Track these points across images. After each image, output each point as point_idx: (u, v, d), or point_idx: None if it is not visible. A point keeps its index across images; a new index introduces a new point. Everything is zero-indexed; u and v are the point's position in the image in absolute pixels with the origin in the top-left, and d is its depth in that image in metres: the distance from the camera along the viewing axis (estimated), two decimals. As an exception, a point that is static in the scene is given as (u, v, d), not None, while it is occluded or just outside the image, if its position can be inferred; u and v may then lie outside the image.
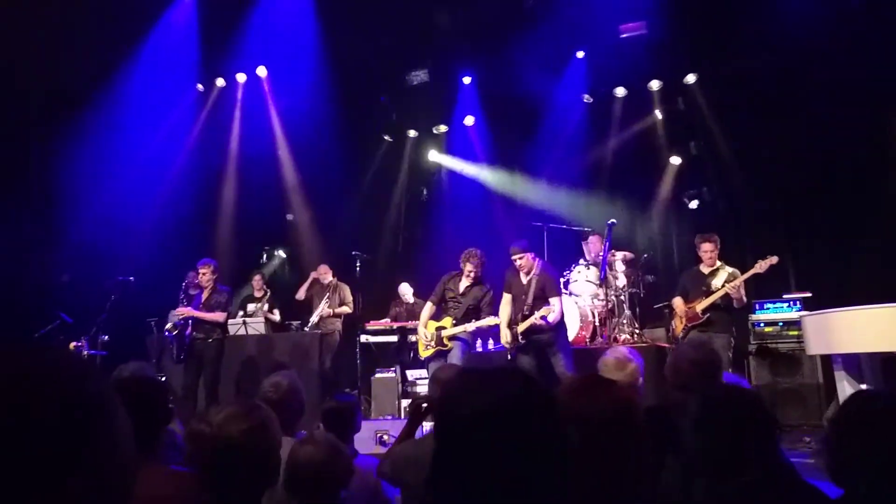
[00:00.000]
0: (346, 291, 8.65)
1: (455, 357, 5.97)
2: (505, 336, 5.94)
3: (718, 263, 6.15)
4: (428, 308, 6.30)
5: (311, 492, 2.10)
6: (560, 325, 5.92)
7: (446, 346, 6.03)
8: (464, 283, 6.14)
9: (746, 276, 5.83)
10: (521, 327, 5.76)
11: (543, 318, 5.60)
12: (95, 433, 0.71)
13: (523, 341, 5.77)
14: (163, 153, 9.19)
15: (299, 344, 7.58)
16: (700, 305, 5.93)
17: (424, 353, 6.19)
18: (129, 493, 0.77)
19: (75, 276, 8.02)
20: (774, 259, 5.75)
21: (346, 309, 8.53)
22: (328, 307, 8.34)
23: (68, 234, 8.06)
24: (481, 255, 6.07)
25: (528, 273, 5.89)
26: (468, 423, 1.00)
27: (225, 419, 1.70)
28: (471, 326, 5.97)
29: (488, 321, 5.96)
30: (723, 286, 5.87)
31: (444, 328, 6.08)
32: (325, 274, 8.71)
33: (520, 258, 5.86)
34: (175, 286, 7.45)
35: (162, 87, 8.90)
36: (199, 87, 9.73)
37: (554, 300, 5.76)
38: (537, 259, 6.01)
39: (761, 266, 5.76)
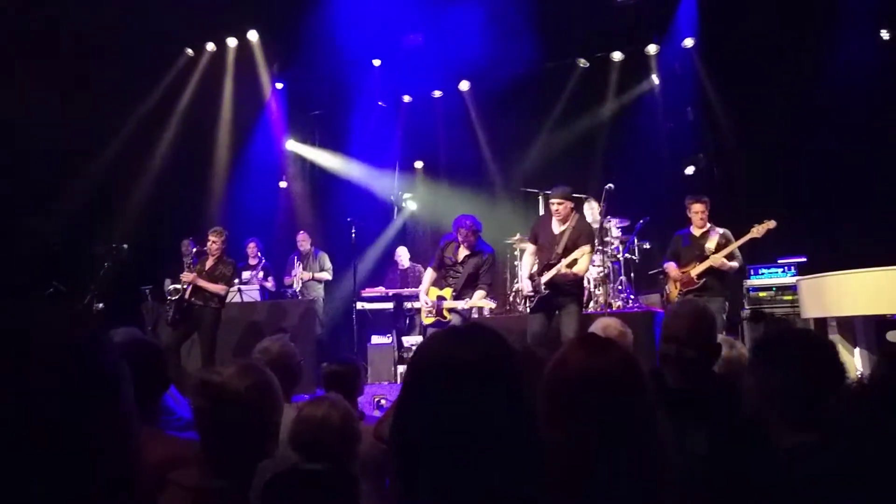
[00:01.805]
0: (325, 258, 8.69)
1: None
2: (526, 286, 5.72)
3: (708, 225, 6.14)
4: (428, 274, 6.23)
5: (328, 451, 2.09)
6: (581, 287, 5.72)
7: (446, 318, 5.98)
8: (462, 252, 6.03)
9: (743, 240, 5.83)
10: (546, 277, 5.46)
11: (570, 267, 5.36)
12: (107, 407, 0.68)
13: (546, 292, 5.47)
14: (155, 119, 9.07)
15: (294, 311, 7.59)
16: (695, 270, 5.94)
17: (427, 321, 6.17)
18: (136, 465, 0.74)
19: (68, 243, 7.96)
20: (772, 223, 5.74)
21: (326, 275, 8.58)
22: (304, 271, 8.38)
23: (60, 201, 7.98)
24: (471, 225, 5.88)
25: (563, 222, 5.59)
26: (431, 374, 1.03)
27: (233, 374, 1.69)
28: (464, 305, 5.85)
29: (482, 303, 5.91)
30: (716, 250, 5.86)
31: (444, 299, 6.03)
32: (304, 241, 8.76)
33: (560, 204, 5.52)
34: (170, 253, 7.41)
35: (151, 53, 8.73)
36: (189, 51, 9.56)
37: (585, 257, 5.44)
38: (576, 212, 5.74)
39: (758, 231, 5.75)
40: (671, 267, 6.24)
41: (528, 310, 5.74)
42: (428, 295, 6.12)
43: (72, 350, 0.68)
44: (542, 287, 5.48)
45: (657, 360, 2.46)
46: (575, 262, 5.40)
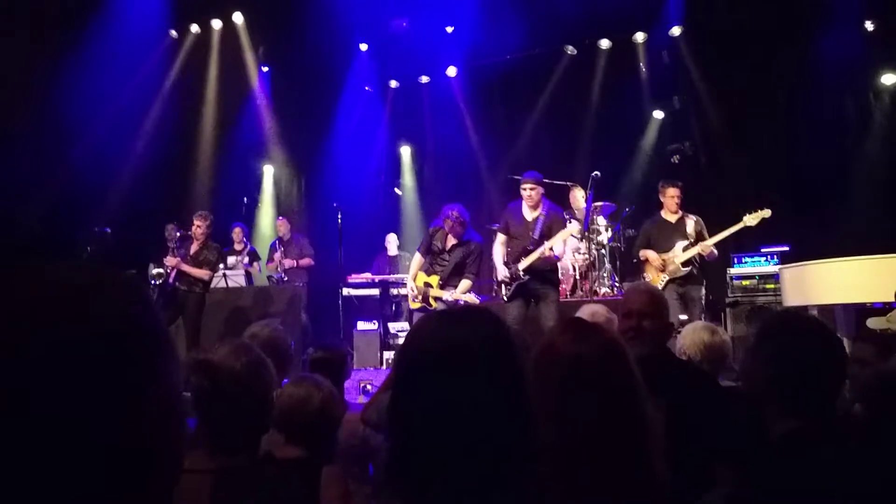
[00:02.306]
0: (305, 243, 8.66)
1: None
2: (502, 272, 5.62)
3: (680, 211, 6.12)
4: (416, 259, 6.18)
5: (308, 433, 2.10)
6: (558, 274, 5.73)
7: (432, 305, 5.96)
8: (450, 240, 5.97)
9: (735, 228, 5.76)
10: (525, 262, 5.43)
11: (551, 249, 5.36)
12: (152, 374, 0.64)
13: (526, 277, 5.44)
14: (137, 102, 8.96)
15: (280, 297, 7.56)
16: (680, 258, 5.92)
17: (413, 305, 6.16)
18: (181, 449, 0.71)
19: (50, 227, 7.86)
20: (767, 212, 5.70)
21: (309, 261, 8.55)
22: (284, 258, 8.35)
23: (42, 186, 7.86)
24: (458, 216, 5.76)
25: (534, 208, 5.58)
26: (430, 358, 1.02)
27: (227, 353, 1.70)
28: (448, 296, 5.80)
29: (466, 297, 5.80)
30: (695, 237, 5.86)
31: (431, 286, 5.99)
32: (281, 226, 8.73)
33: (532, 188, 5.51)
34: (153, 237, 7.34)
35: (134, 34, 8.60)
36: (173, 33, 9.44)
37: (559, 242, 5.52)
38: (546, 200, 5.69)
39: (752, 219, 5.71)
40: (651, 254, 6.13)
41: (505, 298, 5.68)
42: (416, 281, 6.09)
43: (107, 304, 0.64)
44: (521, 273, 5.45)
45: None
46: (552, 248, 5.45)
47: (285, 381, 2.87)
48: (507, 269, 5.55)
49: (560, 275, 7.20)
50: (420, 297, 5.98)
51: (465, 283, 5.86)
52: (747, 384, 1.85)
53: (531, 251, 5.41)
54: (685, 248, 5.91)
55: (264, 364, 1.77)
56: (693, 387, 2.36)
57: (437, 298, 5.91)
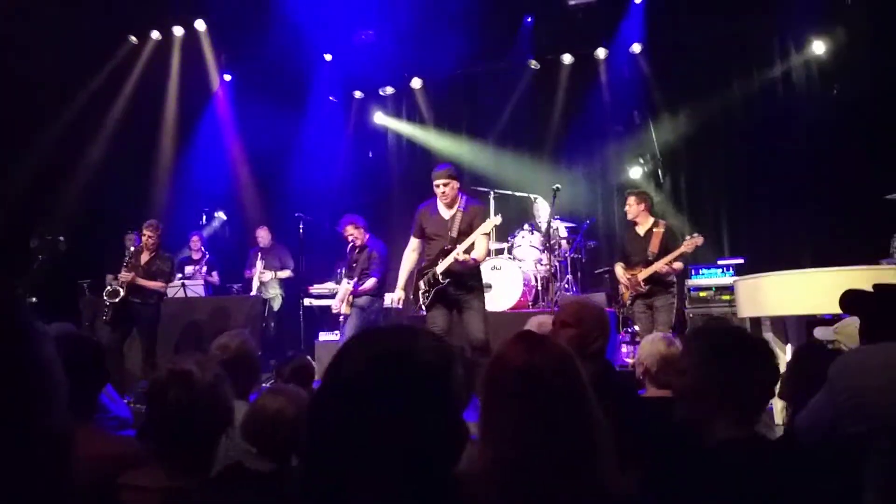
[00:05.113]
0: (286, 253, 8.60)
1: (351, 322, 6.46)
2: (397, 296, 5.40)
3: (651, 220, 6.17)
4: (342, 282, 6.77)
5: (280, 445, 2.07)
6: (481, 280, 5.20)
7: (348, 311, 6.54)
8: (356, 250, 6.65)
9: (677, 253, 5.88)
10: (442, 266, 4.94)
11: (468, 252, 4.85)
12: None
13: (445, 281, 4.93)
14: (96, 107, 8.78)
15: (241, 307, 7.45)
16: (641, 275, 6.00)
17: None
18: (69, 452, 0.72)
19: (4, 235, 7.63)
20: (699, 240, 5.83)
21: (288, 273, 8.48)
22: (266, 269, 8.27)
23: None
24: (354, 221, 6.55)
25: (450, 205, 5.10)
26: (350, 375, 0.98)
27: (196, 364, 1.66)
28: (342, 291, 6.50)
29: (367, 283, 6.45)
30: (659, 252, 5.96)
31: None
32: (263, 237, 8.64)
33: (445, 184, 5.00)
34: (109, 247, 7.18)
35: (92, 38, 8.43)
36: (133, 38, 9.28)
37: (481, 238, 4.95)
38: (463, 194, 5.23)
39: (688, 246, 5.85)
40: (619, 270, 6.21)
41: (423, 307, 5.14)
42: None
43: None
44: (440, 277, 4.94)
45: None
46: (472, 247, 4.92)
47: (253, 395, 2.83)
48: (422, 276, 5.10)
49: (523, 285, 7.28)
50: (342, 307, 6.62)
51: (372, 280, 6.44)
52: (680, 393, 1.92)
53: (449, 251, 4.93)
54: (645, 266, 5.99)
55: (226, 380, 1.75)
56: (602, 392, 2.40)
57: (349, 303, 6.54)
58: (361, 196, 10.09)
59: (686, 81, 8.64)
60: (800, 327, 5.08)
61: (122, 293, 6.23)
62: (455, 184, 5.10)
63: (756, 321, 5.44)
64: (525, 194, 8.10)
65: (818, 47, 8.05)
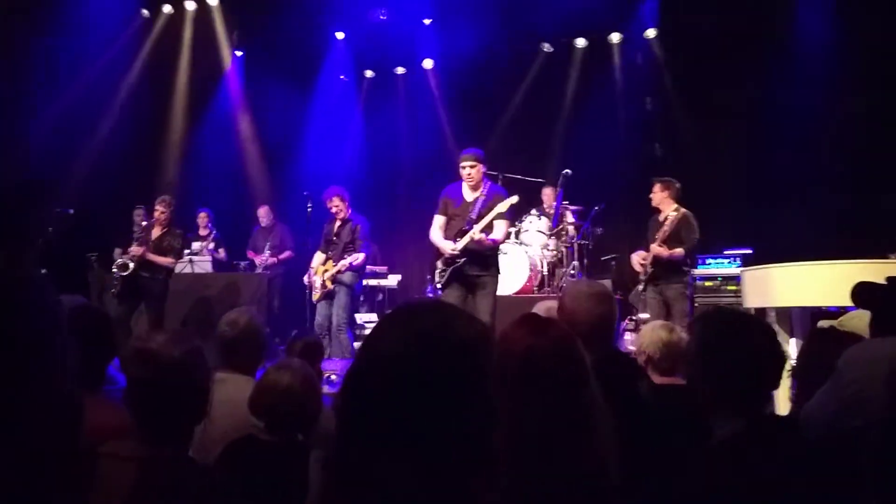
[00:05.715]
0: (287, 234, 8.59)
1: (340, 300, 6.24)
2: (448, 247, 5.26)
3: (673, 206, 6.09)
4: (316, 256, 6.52)
5: (287, 420, 2.10)
6: (499, 264, 5.30)
7: (329, 287, 6.30)
8: (337, 223, 6.39)
9: (667, 254, 5.84)
10: (460, 244, 5.03)
11: (486, 233, 4.95)
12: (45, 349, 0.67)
13: (461, 262, 5.04)
14: (106, 82, 8.76)
15: (247, 284, 7.48)
16: (646, 258, 6.02)
17: (315, 297, 6.43)
18: (77, 421, 0.74)
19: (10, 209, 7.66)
20: (679, 251, 5.83)
21: (290, 253, 8.49)
22: (269, 252, 8.28)
23: (3, 163, 7.66)
24: (341, 193, 6.32)
25: (474, 188, 5.21)
26: (385, 358, 0.98)
27: (165, 342, 1.70)
28: (334, 268, 6.19)
29: (353, 257, 6.21)
30: (664, 239, 5.93)
31: (327, 271, 6.35)
32: (264, 216, 8.64)
33: (471, 166, 5.11)
34: (117, 220, 7.21)
35: (104, 11, 8.40)
36: (145, 12, 9.25)
37: (501, 221, 5.07)
38: (488, 180, 5.34)
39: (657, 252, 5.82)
40: (633, 256, 6.18)
41: (438, 285, 5.23)
42: (317, 274, 6.40)
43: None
44: (456, 256, 5.04)
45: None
46: (490, 227, 5.05)
47: (260, 370, 2.86)
48: (452, 243, 5.12)
49: (529, 270, 7.29)
50: (320, 287, 6.34)
51: (358, 255, 6.25)
52: (690, 383, 1.90)
53: (467, 231, 5.03)
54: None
55: (201, 353, 1.78)
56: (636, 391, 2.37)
57: (333, 280, 6.27)
58: (370, 176, 10.09)
59: (699, 67, 8.54)
60: (805, 319, 5.06)
61: (131, 267, 6.27)
62: (481, 167, 5.20)
63: (762, 312, 5.42)
64: (533, 179, 8.07)
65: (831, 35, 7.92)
